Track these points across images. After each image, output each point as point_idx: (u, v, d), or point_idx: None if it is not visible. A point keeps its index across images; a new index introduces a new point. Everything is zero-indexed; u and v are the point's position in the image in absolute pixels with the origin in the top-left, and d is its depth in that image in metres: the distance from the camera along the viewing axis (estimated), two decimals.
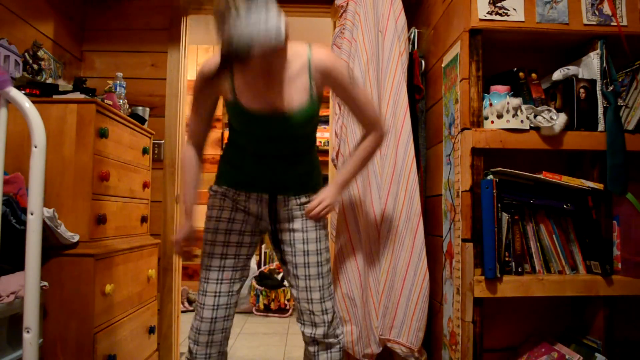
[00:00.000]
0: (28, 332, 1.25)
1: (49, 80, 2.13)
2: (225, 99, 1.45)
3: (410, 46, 2.21)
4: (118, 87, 2.35)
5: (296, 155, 1.52)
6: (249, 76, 1.36)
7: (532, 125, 1.66)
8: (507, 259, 1.63)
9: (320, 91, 1.46)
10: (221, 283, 1.49)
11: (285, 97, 1.39)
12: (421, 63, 2.20)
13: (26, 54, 2.05)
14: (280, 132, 1.44)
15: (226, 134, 4.71)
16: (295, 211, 1.53)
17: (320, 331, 1.51)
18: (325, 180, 4.74)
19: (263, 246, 4.56)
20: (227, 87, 1.42)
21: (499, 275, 1.60)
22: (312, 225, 1.53)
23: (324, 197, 1.54)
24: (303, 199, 1.55)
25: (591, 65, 1.70)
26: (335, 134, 2.16)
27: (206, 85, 1.44)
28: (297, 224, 1.53)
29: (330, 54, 1.48)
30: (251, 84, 1.38)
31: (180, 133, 2.76)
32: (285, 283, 4.15)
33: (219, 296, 1.48)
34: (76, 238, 1.74)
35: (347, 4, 2.15)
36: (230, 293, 1.50)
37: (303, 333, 1.55)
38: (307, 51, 1.42)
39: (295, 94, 1.40)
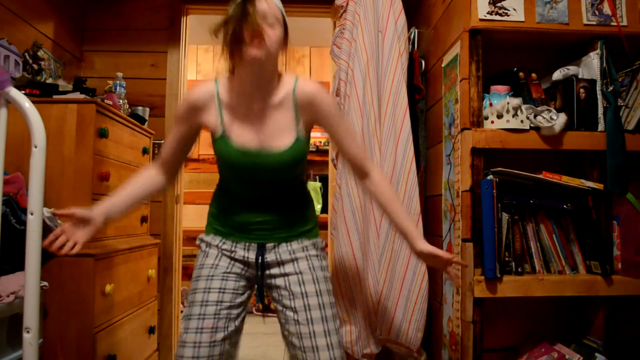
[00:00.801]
0: (28, 332, 1.25)
1: (49, 80, 2.13)
2: (213, 134, 1.37)
3: (410, 46, 2.21)
4: (118, 87, 2.35)
5: (286, 197, 1.43)
6: (238, 91, 1.34)
7: (532, 125, 1.66)
8: (507, 259, 1.63)
9: (307, 128, 1.38)
10: (201, 332, 1.32)
11: (273, 135, 1.34)
12: (421, 63, 2.20)
13: (26, 54, 2.05)
14: (267, 172, 1.36)
15: None
16: (285, 255, 1.41)
17: None
18: (323, 180, 4.68)
19: None
20: (215, 119, 1.35)
21: (499, 275, 1.60)
22: (307, 268, 1.39)
23: (441, 254, 1.37)
24: (294, 245, 1.42)
25: (591, 65, 1.70)
26: None
27: (191, 113, 1.37)
28: (288, 268, 1.40)
29: (316, 84, 1.37)
30: (237, 112, 1.35)
31: None
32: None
33: (199, 347, 1.31)
34: None
35: (347, 4, 2.15)
36: (213, 344, 1.32)
37: None
38: (293, 80, 1.37)
39: (282, 133, 1.35)
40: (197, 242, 1.47)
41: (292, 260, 1.40)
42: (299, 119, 1.36)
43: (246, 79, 1.31)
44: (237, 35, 1.20)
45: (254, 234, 1.41)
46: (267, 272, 1.42)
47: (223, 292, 1.37)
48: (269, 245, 1.41)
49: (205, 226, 1.50)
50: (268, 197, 1.41)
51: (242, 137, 1.34)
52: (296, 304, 1.36)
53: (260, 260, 1.40)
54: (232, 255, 1.41)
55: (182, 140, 1.42)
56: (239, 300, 1.40)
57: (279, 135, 1.34)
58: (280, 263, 1.41)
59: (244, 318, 1.43)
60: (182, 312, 3.23)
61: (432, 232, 2.06)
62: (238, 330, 1.41)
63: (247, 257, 1.41)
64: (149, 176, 1.44)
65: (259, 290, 1.46)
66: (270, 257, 1.41)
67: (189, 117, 1.38)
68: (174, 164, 1.46)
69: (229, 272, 1.39)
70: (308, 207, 1.51)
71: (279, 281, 1.40)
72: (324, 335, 1.33)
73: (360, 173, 1.44)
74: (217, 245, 1.42)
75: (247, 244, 1.41)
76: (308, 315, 1.34)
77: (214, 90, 1.36)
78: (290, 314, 1.36)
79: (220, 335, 1.34)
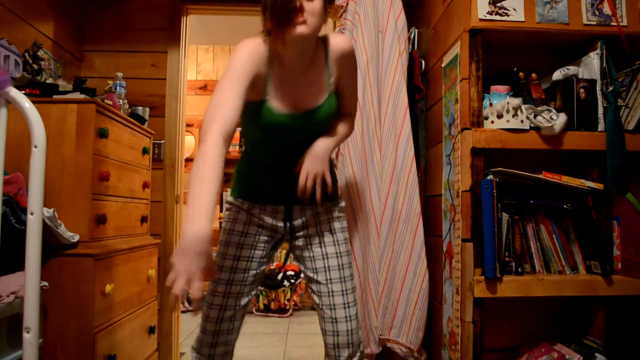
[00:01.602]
0: (28, 332, 1.25)
1: (49, 80, 2.13)
2: (253, 100, 1.30)
3: (410, 46, 2.21)
4: (118, 87, 2.35)
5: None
6: (282, 61, 1.33)
7: (532, 125, 1.66)
8: (507, 259, 1.63)
9: (336, 79, 1.40)
10: (228, 297, 1.41)
11: (308, 96, 1.37)
12: (421, 63, 2.20)
13: (26, 54, 2.05)
14: (300, 134, 1.39)
15: None
16: (310, 219, 1.48)
17: (343, 340, 1.41)
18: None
19: None
20: (263, 81, 1.30)
21: (499, 275, 1.60)
22: (328, 230, 1.48)
23: (307, 171, 1.36)
24: (320, 208, 1.49)
25: (591, 65, 1.70)
26: None
27: (252, 63, 1.26)
28: (311, 230, 1.49)
29: (347, 38, 1.46)
30: (282, 78, 1.33)
31: (180, 133, 2.76)
32: (286, 283, 4.15)
33: (225, 309, 1.41)
34: (76, 238, 1.74)
35: (347, 4, 2.15)
36: (237, 306, 1.42)
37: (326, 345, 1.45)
38: (326, 41, 1.38)
39: (317, 93, 1.38)
40: (226, 205, 1.51)
41: (315, 224, 1.48)
42: (331, 76, 1.40)
43: (290, 52, 1.30)
44: (280, 15, 1.20)
45: (281, 197, 1.45)
46: (292, 233, 1.49)
47: (251, 261, 1.45)
48: (296, 207, 1.47)
49: (230, 188, 1.53)
50: (294, 162, 1.42)
51: (284, 102, 1.34)
52: (317, 265, 1.46)
53: (288, 225, 1.47)
54: (261, 222, 1.46)
55: (243, 95, 1.21)
56: (263, 267, 1.50)
57: (314, 96, 1.38)
58: (305, 223, 1.48)
59: (258, 283, 1.52)
60: (182, 312, 3.22)
61: (432, 232, 2.06)
62: (251, 296, 1.50)
63: (275, 223, 1.47)
64: (222, 157, 1.12)
65: (290, 251, 1.55)
66: (296, 221, 1.47)
67: (250, 66, 1.25)
68: (234, 126, 1.17)
69: (257, 241, 1.46)
70: (331, 174, 1.52)
71: (302, 242, 1.49)
72: (342, 295, 1.43)
73: (340, 116, 1.51)
74: (245, 210, 1.46)
75: (274, 208, 1.46)
76: (327, 276, 1.44)
77: (266, 51, 1.31)
78: (310, 274, 1.47)
79: (244, 300, 1.44)
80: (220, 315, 1.40)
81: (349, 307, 1.43)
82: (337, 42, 1.39)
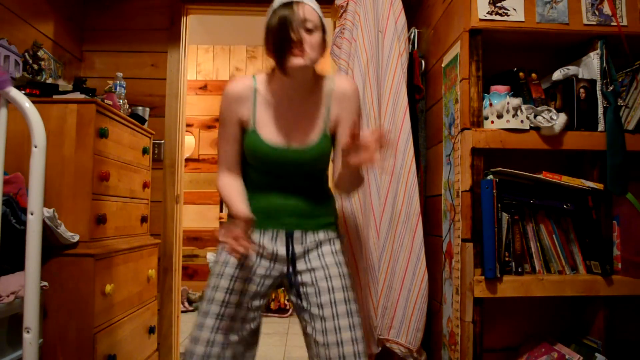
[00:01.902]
0: (28, 332, 1.25)
1: (49, 80, 2.13)
2: (245, 127, 1.39)
3: (410, 46, 2.21)
4: (118, 87, 2.35)
5: (312, 188, 1.44)
6: (275, 91, 1.38)
7: (532, 125, 1.66)
8: (507, 259, 1.63)
9: (333, 123, 1.41)
10: (217, 332, 1.32)
11: (302, 131, 1.38)
12: (421, 63, 2.20)
13: (26, 54, 2.05)
14: (294, 167, 1.39)
15: None
16: (312, 250, 1.40)
17: None
18: None
19: None
20: (248, 112, 1.37)
21: (499, 275, 1.60)
22: (333, 262, 1.39)
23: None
24: (321, 235, 1.41)
25: (591, 65, 1.70)
26: None
27: (232, 106, 1.38)
28: (315, 262, 1.39)
29: (352, 80, 1.46)
30: (270, 110, 1.38)
31: (180, 133, 2.76)
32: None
33: (212, 346, 1.32)
34: (76, 238, 1.74)
35: (347, 4, 2.15)
36: (226, 345, 1.33)
37: None
38: (331, 78, 1.41)
39: (312, 130, 1.38)
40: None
41: (318, 255, 1.39)
42: (329, 116, 1.39)
43: (287, 82, 1.35)
44: (280, 46, 1.25)
45: (282, 220, 1.39)
46: (294, 268, 1.40)
47: (244, 295, 1.37)
48: (297, 233, 1.39)
49: (227, 215, 1.48)
50: (294, 187, 1.41)
51: (273, 133, 1.36)
52: (322, 299, 1.35)
53: (289, 251, 1.39)
54: (260, 251, 1.39)
55: (234, 137, 1.40)
56: (256, 303, 1.40)
57: (308, 132, 1.38)
58: (306, 253, 1.40)
59: (260, 320, 1.43)
60: (182, 312, 3.22)
61: (432, 232, 2.06)
62: (254, 333, 1.42)
63: (276, 250, 1.39)
64: (232, 181, 1.42)
65: (290, 286, 1.42)
66: (297, 248, 1.39)
67: (232, 110, 1.38)
68: (236, 165, 1.44)
69: (253, 275, 1.38)
70: (331, 199, 1.51)
71: (306, 277, 1.39)
72: (349, 330, 1.32)
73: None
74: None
75: (275, 233, 1.39)
76: (334, 311, 1.33)
77: (251, 84, 1.39)
78: (315, 310, 1.35)
79: (234, 338, 1.35)
80: (207, 352, 1.31)
81: (357, 343, 1.33)
82: (342, 82, 1.42)
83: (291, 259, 1.39)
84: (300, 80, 1.35)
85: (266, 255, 1.39)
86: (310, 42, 1.26)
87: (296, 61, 1.25)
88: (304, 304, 1.39)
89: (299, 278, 1.40)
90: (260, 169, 1.42)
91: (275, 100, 1.38)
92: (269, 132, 1.36)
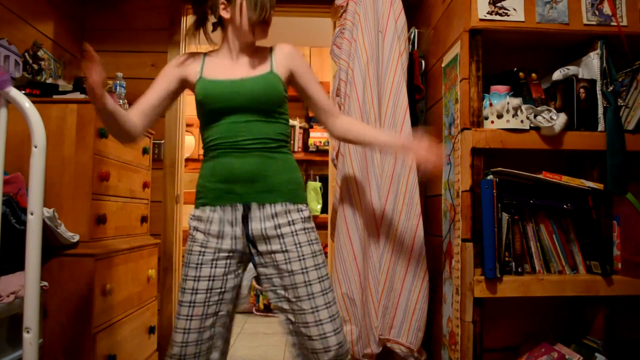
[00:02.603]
0: (28, 332, 1.25)
1: (49, 80, 2.13)
2: (194, 85, 1.48)
3: (410, 46, 2.21)
4: (118, 87, 2.35)
5: (270, 147, 1.45)
6: (223, 54, 1.53)
7: (532, 125, 1.66)
8: (507, 259, 1.63)
9: (282, 70, 1.49)
10: (191, 319, 1.39)
11: (248, 70, 1.49)
12: (421, 63, 2.20)
13: (26, 54, 2.05)
14: (246, 99, 1.43)
15: None
16: (271, 230, 1.42)
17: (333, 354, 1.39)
18: (323, 180, 4.68)
19: None
20: (196, 70, 1.50)
21: (499, 275, 1.60)
22: (293, 246, 1.41)
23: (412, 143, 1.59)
24: (279, 208, 1.43)
25: (591, 65, 1.70)
26: None
27: (178, 67, 1.51)
28: (275, 245, 1.42)
29: (291, 45, 1.57)
30: (219, 63, 1.51)
31: (180, 133, 2.76)
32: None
33: (188, 333, 1.39)
34: (76, 238, 1.74)
35: (347, 4, 2.15)
36: (201, 329, 1.39)
37: None
38: (269, 47, 1.56)
39: (257, 68, 1.49)
40: (189, 220, 1.49)
41: (278, 237, 1.41)
42: (274, 62, 1.50)
43: (238, 43, 1.51)
44: (265, 19, 1.45)
45: (240, 186, 1.41)
46: (255, 249, 1.44)
47: (212, 280, 1.41)
48: (254, 207, 1.42)
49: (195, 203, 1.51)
50: (251, 141, 1.42)
51: (219, 73, 1.47)
52: (285, 281, 1.41)
53: (250, 231, 1.42)
54: (220, 232, 1.42)
55: (161, 95, 1.49)
56: (229, 284, 1.44)
57: (254, 67, 1.49)
58: (266, 238, 1.42)
59: (236, 300, 1.48)
60: None
61: (432, 232, 2.06)
62: (230, 314, 1.47)
63: (236, 231, 1.42)
64: (132, 116, 1.46)
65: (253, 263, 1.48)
66: (255, 225, 1.41)
67: (174, 71, 1.51)
68: (146, 118, 1.48)
69: (217, 258, 1.42)
70: (292, 167, 1.51)
71: (267, 258, 1.43)
72: (326, 308, 1.39)
73: (332, 116, 1.60)
74: (205, 220, 1.43)
75: (233, 207, 1.42)
76: (296, 293, 1.40)
77: (200, 54, 1.56)
78: (281, 292, 1.43)
79: (209, 322, 1.41)
80: (184, 339, 1.39)
81: (334, 319, 1.41)
82: (280, 45, 1.56)
83: (251, 240, 1.43)
84: (251, 42, 1.51)
85: (226, 236, 1.43)
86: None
87: (267, 29, 1.50)
88: (268, 285, 1.46)
89: (261, 259, 1.45)
90: (213, 113, 1.44)
91: (222, 58, 1.52)
92: (216, 74, 1.48)
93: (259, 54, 1.53)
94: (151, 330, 2.33)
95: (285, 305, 1.43)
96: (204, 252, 1.42)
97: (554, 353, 1.64)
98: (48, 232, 1.62)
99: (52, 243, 1.67)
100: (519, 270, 1.63)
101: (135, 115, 1.45)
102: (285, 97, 1.50)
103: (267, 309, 4.17)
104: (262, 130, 1.44)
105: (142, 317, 2.21)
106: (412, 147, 1.55)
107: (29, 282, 1.26)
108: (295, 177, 1.50)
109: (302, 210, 1.47)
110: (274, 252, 1.42)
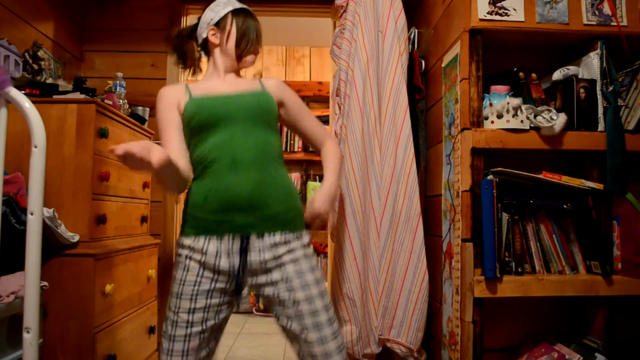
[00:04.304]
0: (28, 332, 1.25)
1: (49, 80, 2.13)
2: (184, 111, 1.42)
3: (410, 46, 2.21)
4: (118, 87, 2.35)
5: (267, 160, 1.39)
6: (208, 79, 1.53)
7: (532, 125, 1.66)
8: (507, 259, 1.63)
9: (273, 95, 1.49)
10: (187, 355, 1.32)
11: (240, 85, 1.50)
12: (421, 63, 2.20)
13: (26, 54, 2.05)
14: (239, 111, 1.38)
15: None
16: (271, 262, 1.35)
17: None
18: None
19: None
20: (182, 95, 1.45)
21: (499, 275, 1.60)
22: (294, 274, 1.35)
23: (316, 209, 1.45)
24: (277, 238, 1.36)
25: (591, 65, 1.70)
26: (335, 133, 2.16)
27: (170, 97, 1.45)
28: (275, 276, 1.35)
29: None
30: (206, 84, 1.51)
31: None
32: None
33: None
34: (76, 238, 1.74)
35: (347, 4, 2.15)
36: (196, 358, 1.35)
37: None
38: (257, 78, 1.63)
39: (247, 86, 1.51)
40: (177, 248, 1.39)
41: (278, 266, 1.35)
42: (264, 86, 1.52)
43: (224, 64, 1.51)
44: (249, 46, 1.50)
45: (238, 216, 1.32)
46: (254, 281, 1.37)
47: (208, 311, 1.34)
48: (253, 237, 1.34)
49: (182, 228, 1.41)
50: (248, 153, 1.35)
51: (210, 90, 1.47)
52: (288, 312, 1.35)
53: (244, 260, 1.34)
54: (216, 267, 1.33)
55: (179, 129, 1.44)
56: (222, 315, 1.39)
57: (244, 87, 1.49)
58: (266, 269, 1.35)
59: (224, 328, 1.45)
60: None
61: (432, 232, 2.06)
62: (217, 340, 1.43)
63: (234, 264, 1.34)
64: (186, 164, 1.40)
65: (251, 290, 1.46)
66: (254, 256, 1.34)
67: (169, 100, 1.45)
68: (185, 157, 1.40)
69: (213, 289, 1.34)
70: (291, 191, 1.44)
71: (268, 290, 1.37)
72: (318, 329, 1.34)
73: (319, 146, 1.63)
74: (200, 250, 1.33)
75: (230, 238, 1.33)
76: (303, 323, 1.34)
77: (183, 85, 1.51)
78: (284, 321, 1.37)
79: (204, 353, 1.37)
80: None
81: (332, 322, 1.36)
82: (268, 78, 1.58)
83: (243, 267, 1.35)
84: (238, 68, 1.53)
85: (223, 272, 1.34)
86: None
87: (254, 58, 1.54)
88: (273, 312, 1.42)
89: (262, 291, 1.38)
90: (206, 126, 1.37)
91: (210, 80, 1.53)
92: (207, 91, 1.46)
93: (247, 79, 1.57)
94: (151, 330, 2.33)
95: (290, 334, 1.38)
96: (200, 282, 1.33)
97: (554, 353, 1.64)
98: (48, 232, 1.62)
99: (52, 243, 1.67)
100: (519, 270, 1.63)
101: (179, 159, 1.36)
102: (277, 116, 1.50)
103: (267, 309, 4.17)
104: (258, 140, 1.38)
105: (142, 317, 2.21)
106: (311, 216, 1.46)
107: (29, 282, 1.26)
108: (294, 204, 1.42)
109: (301, 238, 1.40)
110: (275, 282, 1.35)
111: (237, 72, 1.56)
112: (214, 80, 1.51)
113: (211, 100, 1.42)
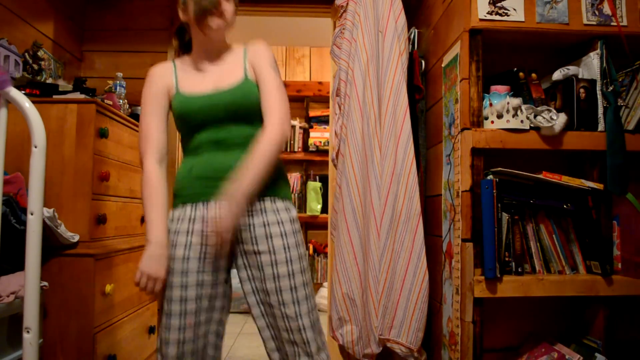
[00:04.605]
0: (28, 332, 1.25)
1: (49, 80, 2.13)
2: (171, 99, 1.44)
3: (410, 46, 2.21)
4: (118, 87, 2.35)
5: (249, 144, 1.36)
6: (194, 60, 1.48)
7: (532, 125, 1.66)
8: (507, 259, 1.63)
9: (252, 72, 1.44)
10: (184, 330, 1.31)
11: (222, 77, 1.43)
12: (421, 63, 2.20)
13: (26, 54, 2.05)
14: (224, 112, 1.38)
15: None
16: (259, 229, 1.35)
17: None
18: (323, 180, 4.69)
19: None
20: (171, 82, 1.45)
21: (499, 275, 1.60)
22: (280, 247, 1.34)
23: (219, 226, 1.28)
24: (267, 203, 1.37)
25: (591, 65, 1.70)
26: (335, 134, 2.16)
27: (157, 79, 1.45)
28: (262, 246, 1.34)
29: (263, 42, 1.49)
30: (192, 72, 1.46)
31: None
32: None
33: (184, 344, 1.31)
34: (76, 238, 1.74)
35: (347, 4, 2.15)
36: (196, 338, 1.33)
37: None
38: (243, 46, 1.50)
39: (231, 74, 1.44)
40: (168, 222, 1.39)
41: (266, 237, 1.35)
42: (247, 64, 1.45)
43: (202, 49, 1.46)
44: (204, 9, 1.38)
45: (221, 183, 1.31)
46: (242, 247, 1.37)
47: (201, 286, 1.34)
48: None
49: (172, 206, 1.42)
50: (232, 144, 1.38)
51: (196, 86, 1.42)
52: (267, 285, 1.35)
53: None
54: (203, 231, 1.33)
55: (162, 115, 1.43)
56: (220, 289, 1.39)
57: (229, 78, 1.42)
58: (252, 237, 1.35)
59: (228, 306, 1.44)
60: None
61: (432, 232, 2.06)
62: (221, 321, 1.42)
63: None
64: (161, 179, 1.41)
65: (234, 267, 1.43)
66: (242, 220, 1.33)
67: (157, 83, 1.45)
68: (164, 145, 1.44)
69: (203, 264, 1.34)
70: (278, 168, 1.41)
71: (251, 259, 1.37)
72: (294, 304, 1.33)
73: (265, 122, 1.39)
74: (188, 219, 1.35)
75: (217, 204, 1.30)
76: (280, 298, 1.33)
77: (170, 62, 1.50)
78: (262, 296, 1.37)
79: (202, 330, 1.35)
80: (180, 350, 1.31)
81: (314, 326, 1.36)
82: (254, 42, 1.50)
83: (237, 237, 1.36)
84: (216, 42, 1.46)
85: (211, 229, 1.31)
86: (226, 9, 1.41)
87: (217, 22, 1.39)
88: (248, 284, 1.40)
89: (245, 260, 1.38)
90: (194, 129, 1.40)
91: (194, 65, 1.47)
92: (192, 87, 1.42)
93: (232, 56, 1.48)
94: (151, 330, 2.33)
95: (267, 310, 1.37)
96: (188, 257, 1.34)
97: (554, 353, 1.64)
98: (48, 232, 1.62)
99: (52, 243, 1.67)
100: (519, 270, 1.63)
101: (159, 164, 1.42)
102: (258, 95, 1.42)
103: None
104: (244, 133, 1.39)
105: (142, 317, 2.22)
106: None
107: (29, 282, 1.26)
108: (279, 170, 1.41)
109: (289, 210, 1.41)
110: (260, 252, 1.35)
111: (220, 48, 1.47)
112: (197, 68, 1.46)
113: (194, 101, 1.40)
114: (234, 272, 1.44)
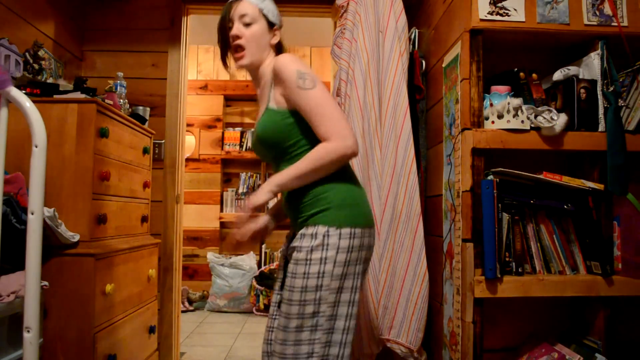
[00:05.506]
0: (28, 331, 1.25)
1: (50, 80, 2.13)
2: None
3: (411, 46, 2.21)
4: (119, 87, 2.35)
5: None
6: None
7: (532, 125, 1.66)
8: (507, 259, 1.62)
9: (279, 98, 1.33)
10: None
11: (261, 106, 1.43)
12: (422, 63, 2.20)
13: (27, 53, 2.05)
14: (259, 147, 1.41)
15: (227, 134, 4.72)
16: (290, 250, 1.32)
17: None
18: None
19: (263, 246, 4.57)
20: None
21: (499, 276, 1.60)
22: (289, 272, 1.28)
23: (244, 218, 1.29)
24: (304, 228, 1.30)
25: (592, 66, 1.70)
26: None
27: None
28: (289, 266, 1.31)
29: (285, 56, 1.32)
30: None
31: (181, 133, 2.76)
32: None
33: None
34: (76, 238, 1.74)
35: (348, 4, 2.15)
36: None
37: None
38: (273, 60, 1.38)
39: (263, 100, 1.40)
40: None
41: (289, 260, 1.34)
42: (272, 91, 1.36)
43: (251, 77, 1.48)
44: (222, 48, 1.42)
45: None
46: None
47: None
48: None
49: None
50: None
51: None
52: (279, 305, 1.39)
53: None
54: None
55: None
56: None
57: (262, 104, 1.42)
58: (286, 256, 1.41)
59: None
60: (182, 311, 3.21)
61: (432, 232, 2.06)
62: None
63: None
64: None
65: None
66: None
67: None
68: None
69: None
70: (315, 186, 1.31)
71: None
72: (276, 342, 1.28)
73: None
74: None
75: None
76: (276, 323, 1.37)
77: None
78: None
79: None
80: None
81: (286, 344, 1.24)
82: (276, 59, 1.34)
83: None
84: (251, 71, 1.45)
85: None
86: (247, 36, 1.37)
87: (237, 62, 1.39)
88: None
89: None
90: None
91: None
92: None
93: (264, 79, 1.42)
94: (151, 330, 2.33)
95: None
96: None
97: (554, 353, 1.64)
98: (48, 232, 1.62)
99: (52, 243, 1.67)
100: (520, 270, 1.63)
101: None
102: (290, 123, 1.32)
103: (267, 309, 4.17)
104: (276, 163, 1.40)
105: (142, 317, 2.21)
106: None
107: (29, 281, 1.26)
108: (318, 199, 1.30)
109: (315, 237, 1.25)
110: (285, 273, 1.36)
111: (254, 73, 1.45)
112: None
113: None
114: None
